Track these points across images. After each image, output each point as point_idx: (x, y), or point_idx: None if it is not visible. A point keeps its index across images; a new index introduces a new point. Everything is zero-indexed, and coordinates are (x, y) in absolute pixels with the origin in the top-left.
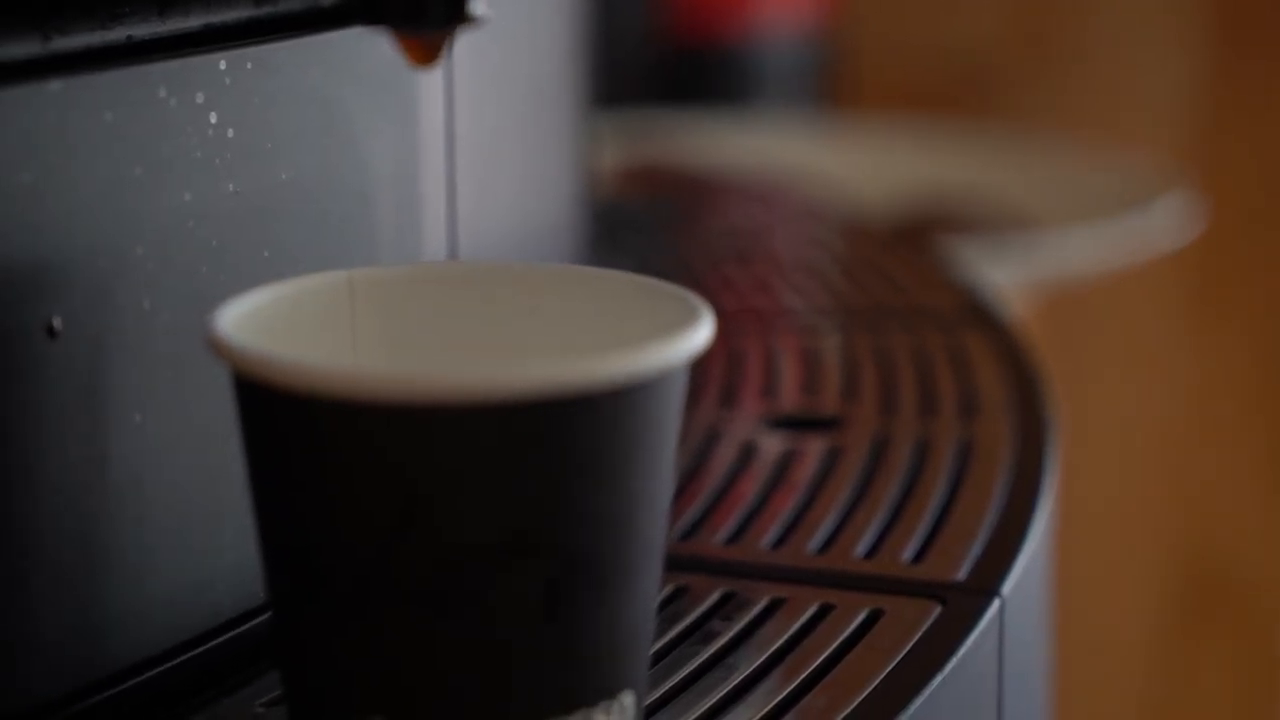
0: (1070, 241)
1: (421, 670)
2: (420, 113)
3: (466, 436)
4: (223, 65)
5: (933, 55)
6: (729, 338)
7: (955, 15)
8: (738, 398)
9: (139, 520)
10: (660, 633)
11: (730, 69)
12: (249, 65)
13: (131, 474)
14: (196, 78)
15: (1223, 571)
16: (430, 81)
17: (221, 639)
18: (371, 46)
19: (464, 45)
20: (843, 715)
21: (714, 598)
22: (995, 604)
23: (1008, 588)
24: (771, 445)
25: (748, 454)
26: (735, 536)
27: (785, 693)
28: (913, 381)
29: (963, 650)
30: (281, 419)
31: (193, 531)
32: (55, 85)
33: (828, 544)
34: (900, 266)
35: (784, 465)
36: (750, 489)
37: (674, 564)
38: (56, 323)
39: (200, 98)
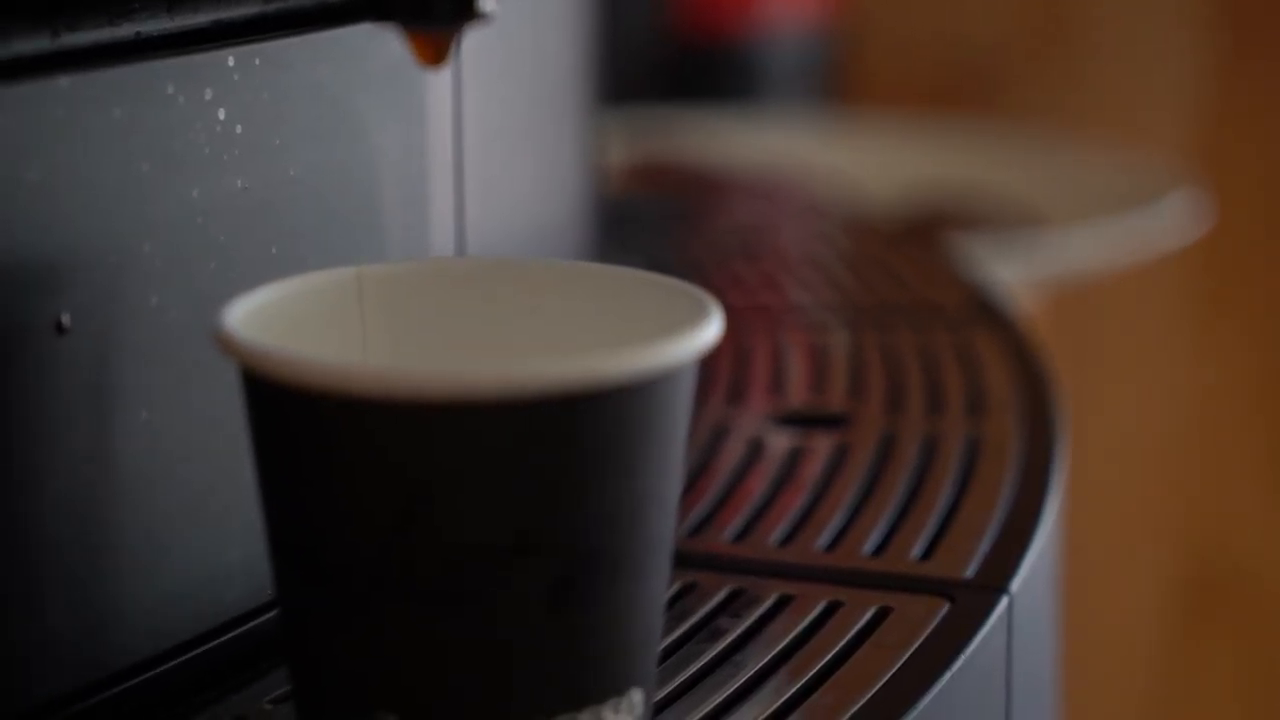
0: (1077, 239)
1: (424, 668)
2: (428, 109)
3: (469, 435)
4: (231, 62)
5: (940, 52)
6: (736, 335)
7: (962, 12)
8: (745, 395)
9: (146, 516)
10: (668, 629)
11: (738, 66)
12: (257, 62)
13: (138, 470)
14: (205, 74)
15: (1227, 570)
16: (438, 78)
17: (229, 635)
18: (380, 43)
19: (472, 42)
20: (851, 712)
21: (722, 595)
22: (1004, 601)
23: (1016, 585)
24: (779, 442)
25: (755, 451)
26: (743, 533)
27: (793, 690)
28: (920, 379)
29: (971, 648)
30: (287, 415)
31: (199, 528)
32: (64, 81)
33: (836, 541)
34: (907, 263)
35: (792, 462)
36: (758, 486)
37: (682, 561)
38: (65, 319)
39: (209, 94)
